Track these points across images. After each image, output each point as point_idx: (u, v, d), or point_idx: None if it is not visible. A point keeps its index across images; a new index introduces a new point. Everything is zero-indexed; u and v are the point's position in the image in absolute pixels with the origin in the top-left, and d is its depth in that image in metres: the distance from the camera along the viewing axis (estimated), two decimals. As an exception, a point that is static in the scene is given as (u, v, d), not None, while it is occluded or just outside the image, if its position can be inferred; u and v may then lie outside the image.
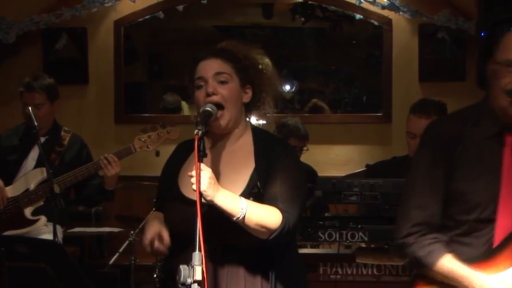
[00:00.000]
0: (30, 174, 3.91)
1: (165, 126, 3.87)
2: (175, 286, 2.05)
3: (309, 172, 4.71)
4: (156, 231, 2.42)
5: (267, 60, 2.54)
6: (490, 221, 2.23)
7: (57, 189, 3.66)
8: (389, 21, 5.99)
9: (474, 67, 4.75)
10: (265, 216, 2.30)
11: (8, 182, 3.88)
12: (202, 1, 5.76)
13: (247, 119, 2.54)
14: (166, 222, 2.47)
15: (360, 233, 3.55)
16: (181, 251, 2.33)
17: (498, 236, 2.22)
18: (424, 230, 2.28)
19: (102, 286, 4.96)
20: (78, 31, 6.11)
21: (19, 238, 3.53)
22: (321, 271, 3.65)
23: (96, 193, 4.05)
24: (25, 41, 5.96)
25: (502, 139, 2.26)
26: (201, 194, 2.15)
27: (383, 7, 5.67)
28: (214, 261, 2.34)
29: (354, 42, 7.24)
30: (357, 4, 5.70)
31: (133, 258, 4.86)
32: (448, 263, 2.23)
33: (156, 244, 2.41)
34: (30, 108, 3.83)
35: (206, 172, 2.20)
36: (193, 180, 2.16)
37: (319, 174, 4.90)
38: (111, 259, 5.22)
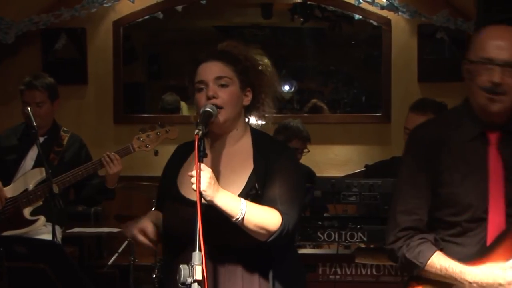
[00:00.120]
0: (29, 174, 3.90)
1: (164, 125, 3.87)
2: (174, 286, 2.05)
3: (308, 174, 4.71)
4: (141, 226, 2.42)
5: (266, 61, 2.53)
6: (482, 220, 2.25)
7: (56, 189, 3.66)
8: (388, 21, 5.98)
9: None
10: (265, 217, 2.30)
11: (6, 182, 3.88)
12: (201, 2, 5.76)
13: (247, 120, 2.54)
14: (165, 222, 2.47)
15: (359, 233, 3.55)
16: (180, 251, 2.32)
17: (491, 234, 2.25)
18: (410, 234, 2.30)
19: (101, 286, 4.96)
20: (77, 31, 6.10)
21: (18, 238, 3.53)
22: (320, 271, 3.65)
23: (97, 192, 4.05)
24: (24, 41, 5.95)
25: (486, 138, 2.29)
26: (201, 194, 2.15)
27: (382, 7, 5.67)
28: (212, 261, 2.33)
29: (353, 42, 7.24)
30: (356, 4, 5.70)
31: (132, 258, 4.87)
32: (439, 260, 2.25)
33: (140, 238, 2.42)
34: (29, 108, 3.82)
35: (206, 172, 2.20)
36: (193, 180, 2.16)
37: (318, 174, 4.90)
38: (110, 259, 5.24)
